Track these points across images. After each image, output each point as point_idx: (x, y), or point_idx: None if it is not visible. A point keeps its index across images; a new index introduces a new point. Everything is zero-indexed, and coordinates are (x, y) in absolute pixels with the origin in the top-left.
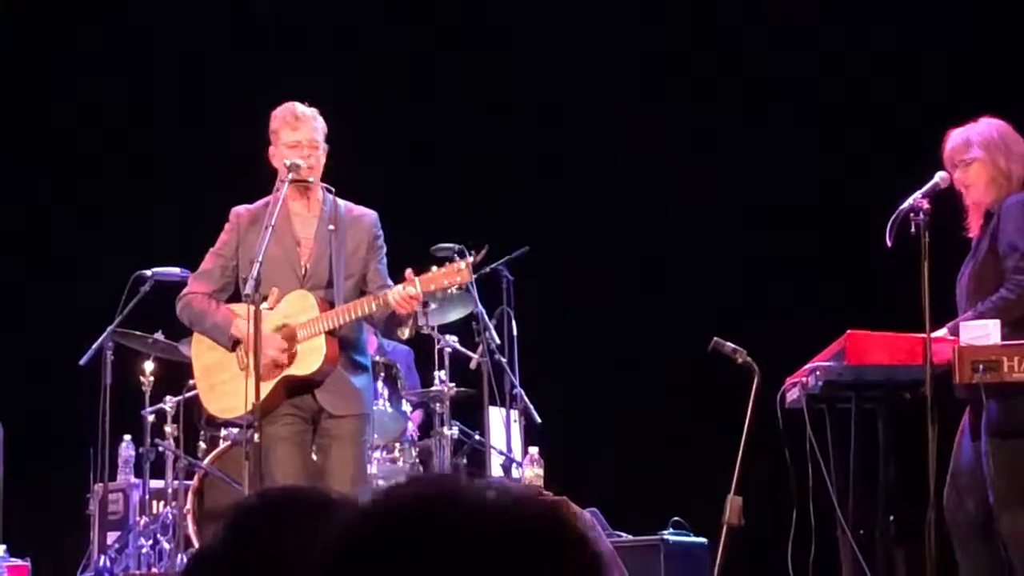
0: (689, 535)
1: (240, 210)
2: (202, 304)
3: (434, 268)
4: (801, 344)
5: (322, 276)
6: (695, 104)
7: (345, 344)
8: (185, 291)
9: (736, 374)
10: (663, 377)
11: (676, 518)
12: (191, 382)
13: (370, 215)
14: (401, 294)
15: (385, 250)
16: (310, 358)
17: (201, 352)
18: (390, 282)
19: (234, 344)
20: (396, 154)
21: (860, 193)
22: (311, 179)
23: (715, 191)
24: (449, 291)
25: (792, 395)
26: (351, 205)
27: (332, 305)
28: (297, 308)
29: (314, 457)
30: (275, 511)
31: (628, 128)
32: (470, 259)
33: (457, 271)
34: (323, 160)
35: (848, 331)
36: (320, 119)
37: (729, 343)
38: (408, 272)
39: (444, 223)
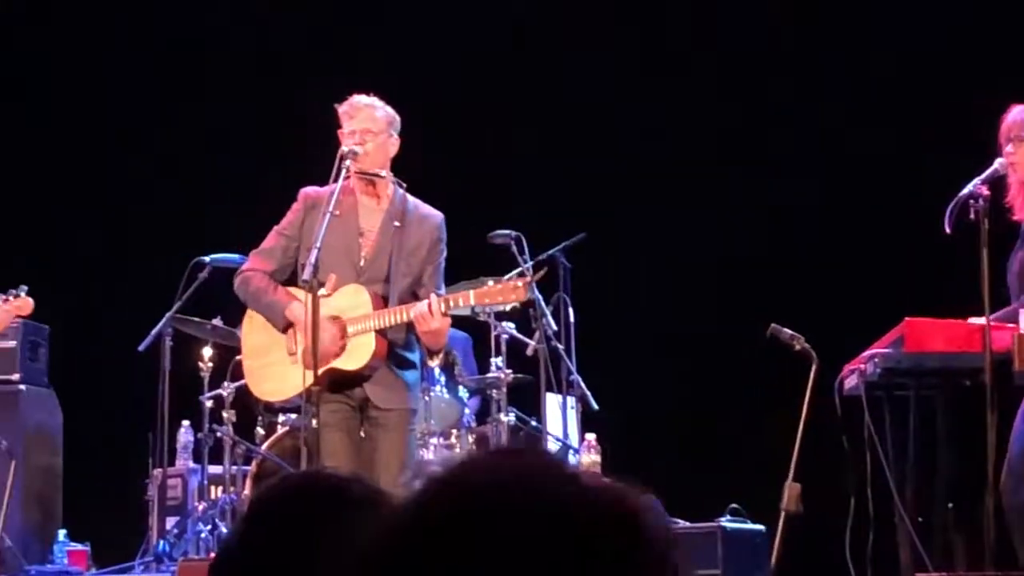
0: (747, 522)
1: (309, 191)
2: (260, 283)
3: (490, 282)
4: (859, 331)
5: (379, 271)
6: (749, 88)
7: (395, 340)
8: (244, 267)
9: (794, 361)
10: (720, 363)
11: (734, 505)
12: (237, 358)
13: (436, 217)
14: (422, 312)
15: (445, 255)
16: (358, 353)
17: (252, 331)
18: (443, 289)
19: (286, 327)
20: (453, 138)
21: (919, 179)
22: (380, 173)
23: (770, 177)
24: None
25: (850, 382)
26: (419, 203)
27: (386, 302)
28: (350, 302)
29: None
30: (295, 499)
31: (684, 112)
32: (528, 278)
33: (513, 289)
34: (390, 150)
35: (906, 318)
36: (382, 108)
37: (787, 330)
38: (432, 297)
39: (501, 208)
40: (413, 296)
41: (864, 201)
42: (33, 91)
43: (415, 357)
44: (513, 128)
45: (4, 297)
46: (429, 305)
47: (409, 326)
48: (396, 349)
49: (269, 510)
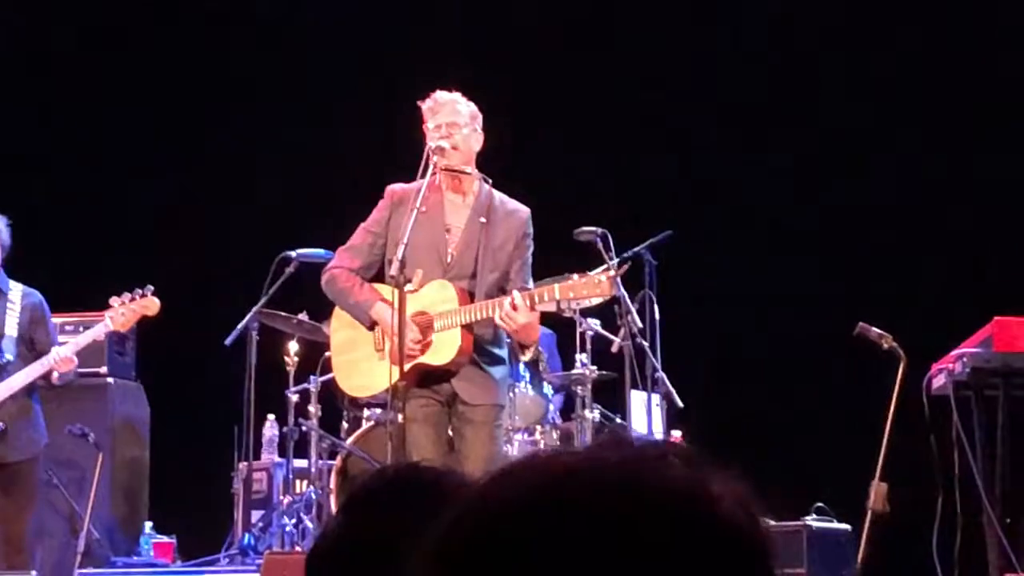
0: (833, 521)
1: (395, 188)
2: (347, 281)
3: (575, 277)
4: (948, 330)
5: (467, 267)
6: (839, 82)
7: (482, 335)
8: (331, 264)
9: (882, 360)
10: (807, 361)
11: (819, 504)
12: (327, 354)
13: (522, 212)
14: (506, 310)
15: (532, 250)
16: (444, 349)
17: (339, 327)
18: (531, 283)
19: (372, 325)
20: (540, 134)
21: (1010, 177)
22: (466, 169)
23: (861, 174)
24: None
25: (938, 381)
26: (505, 199)
27: (473, 297)
28: (437, 298)
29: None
30: (392, 491)
31: (771, 108)
32: (612, 273)
33: (598, 284)
34: (475, 145)
35: (996, 317)
36: (465, 103)
37: (875, 328)
38: (515, 293)
39: (588, 204)
40: (500, 291)
41: (954, 198)
42: (125, 93)
43: (503, 353)
44: (601, 124)
45: (131, 296)
46: (512, 301)
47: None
48: (484, 344)
49: (367, 501)
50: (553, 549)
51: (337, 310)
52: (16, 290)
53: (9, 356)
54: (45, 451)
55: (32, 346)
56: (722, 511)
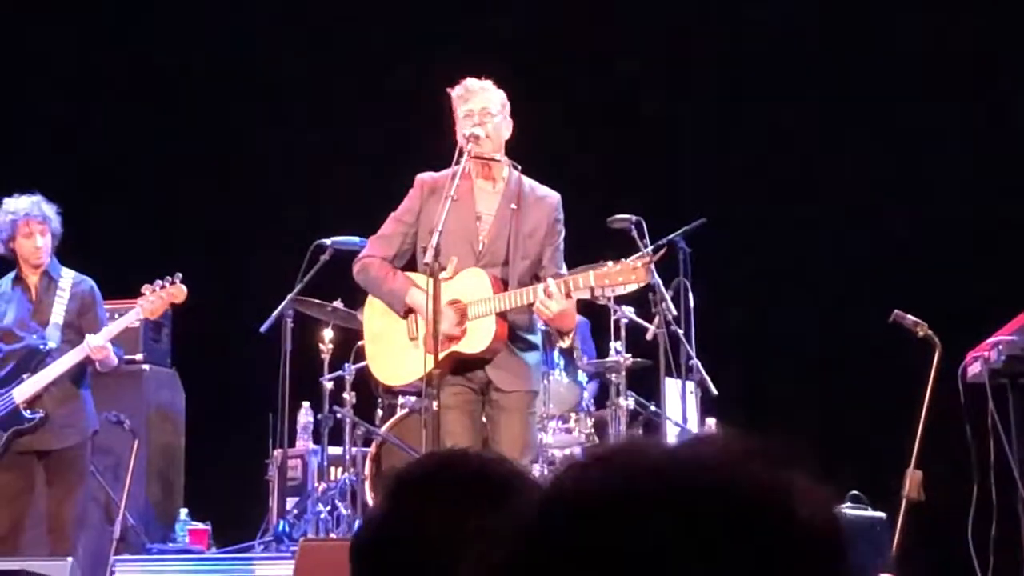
0: (867, 509)
1: (425, 177)
2: (380, 270)
3: (609, 263)
4: (983, 318)
5: (499, 254)
6: (875, 69)
7: (516, 322)
8: (363, 254)
9: (917, 348)
10: (841, 349)
11: (854, 492)
12: (360, 342)
13: (553, 197)
14: (540, 298)
15: (563, 235)
16: (479, 337)
17: (373, 316)
18: (564, 269)
19: (406, 312)
20: (572, 121)
21: None
22: (495, 156)
23: (894, 162)
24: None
25: (974, 369)
26: (535, 185)
27: (506, 285)
28: (470, 285)
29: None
30: (439, 477)
31: (807, 96)
32: (647, 259)
33: (633, 270)
34: (505, 132)
35: None
36: (494, 90)
37: (910, 316)
38: (549, 280)
39: (622, 193)
40: (534, 278)
41: (991, 185)
42: (158, 79)
43: (536, 339)
44: (635, 112)
45: (161, 284)
46: (546, 288)
47: (530, 308)
48: (518, 331)
49: (413, 487)
50: (639, 547)
51: (370, 299)
52: (67, 277)
53: (52, 343)
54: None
55: (80, 333)
56: (803, 514)
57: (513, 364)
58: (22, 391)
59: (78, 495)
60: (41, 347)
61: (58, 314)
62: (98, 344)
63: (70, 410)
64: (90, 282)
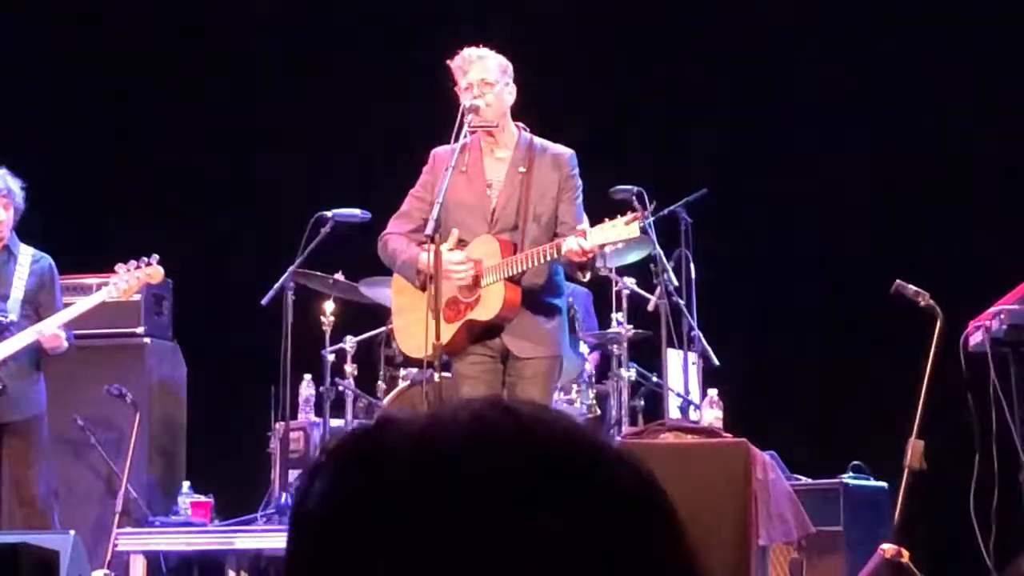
0: (869, 479)
1: (439, 151)
2: (396, 243)
3: (606, 220)
4: (985, 287)
5: (510, 220)
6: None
7: (533, 286)
8: (385, 232)
9: (919, 317)
10: (843, 319)
11: (856, 462)
12: (389, 326)
13: (565, 153)
14: (573, 249)
15: (580, 188)
16: (490, 302)
17: (398, 291)
18: (585, 222)
19: (422, 283)
20: (577, 92)
21: None
22: (495, 123)
23: (902, 135)
24: (620, 245)
25: (975, 338)
26: (546, 143)
27: (517, 249)
28: (482, 252)
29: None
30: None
31: (814, 67)
32: (637, 214)
33: (625, 225)
34: (507, 98)
35: None
36: (494, 57)
37: (911, 285)
38: (581, 227)
39: (625, 163)
40: (552, 235)
41: (989, 158)
42: (158, 54)
43: (558, 302)
44: (636, 82)
45: (136, 264)
46: (579, 243)
47: (549, 268)
48: (537, 295)
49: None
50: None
51: (395, 275)
52: (26, 253)
53: (13, 316)
54: (83, 410)
55: (36, 310)
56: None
57: (531, 330)
58: None
59: (41, 468)
60: (2, 319)
61: (18, 288)
62: (52, 333)
63: (27, 384)
64: (49, 260)
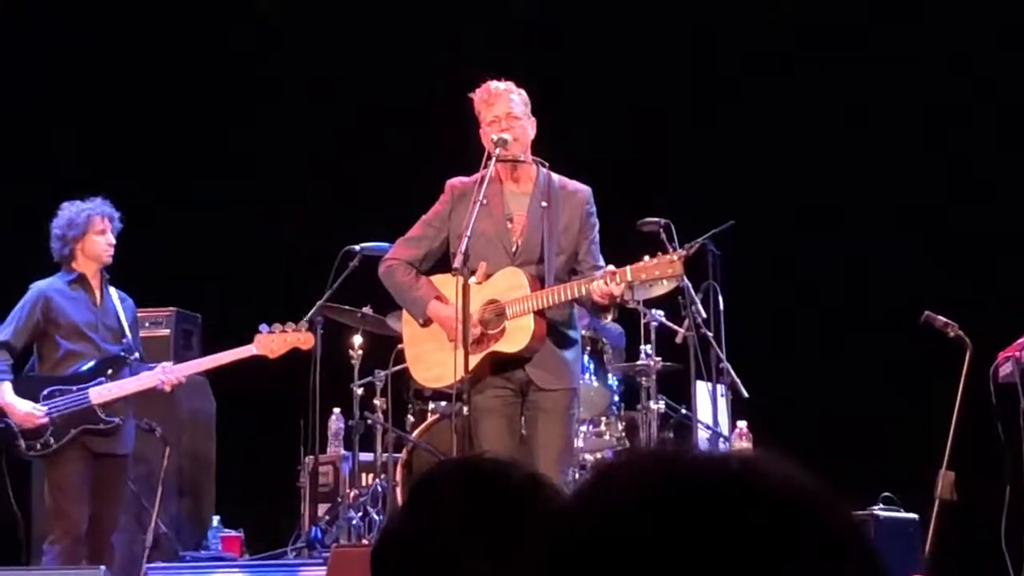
0: (900, 511)
1: (455, 182)
2: (404, 276)
3: (646, 258)
4: (1014, 318)
5: (533, 253)
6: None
7: (555, 319)
8: (388, 255)
9: (948, 348)
10: (872, 351)
11: (887, 494)
12: (399, 347)
13: (583, 191)
14: (604, 289)
15: (597, 227)
16: (517, 336)
17: (408, 321)
18: (601, 261)
19: (426, 323)
20: (601, 124)
21: None
22: (521, 157)
23: (923, 164)
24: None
25: (1005, 369)
26: (565, 180)
27: (542, 282)
28: (508, 285)
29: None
30: (454, 484)
31: (836, 99)
32: (683, 252)
33: (669, 263)
34: (530, 132)
35: None
36: (517, 91)
37: (941, 317)
38: (610, 267)
39: (650, 195)
40: (571, 273)
41: (1018, 187)
42: (188, 91)
43: (576, 335)
44: (664, 114)
45: (283, 328)
46: (610, 289)
47: (569, 304)
48: (558, 327)
49: (429, 494)
50: (670, 547)
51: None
52: (114, 295)
53: (138, 353)
54: None
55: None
56: (825, 512)
57: (553, 362)
58: (99, 393)
59: (121, 502)
60: (125, 355)
61: (123, 323)
62: (177, 380)
63: (130, 420)
64: (131, 301)
